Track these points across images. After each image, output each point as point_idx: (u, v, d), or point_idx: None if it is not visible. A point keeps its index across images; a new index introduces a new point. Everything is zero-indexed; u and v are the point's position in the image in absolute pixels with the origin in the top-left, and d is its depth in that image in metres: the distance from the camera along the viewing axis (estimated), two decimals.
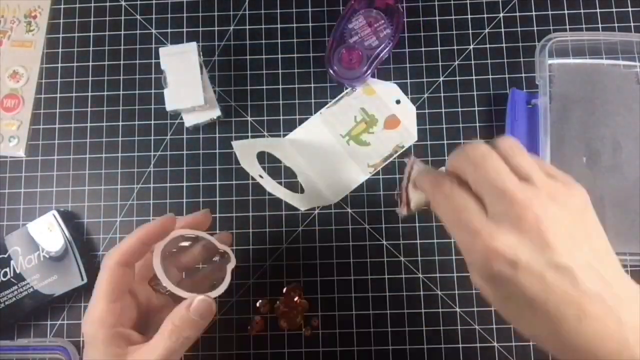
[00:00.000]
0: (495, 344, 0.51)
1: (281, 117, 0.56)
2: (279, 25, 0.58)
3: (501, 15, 0.57)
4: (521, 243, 0.27)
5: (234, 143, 0.47)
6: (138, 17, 0.58)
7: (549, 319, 0.27)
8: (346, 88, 0.56)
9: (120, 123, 0.56)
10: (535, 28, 0.56)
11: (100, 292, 0.36)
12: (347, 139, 0.55)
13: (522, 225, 0.27)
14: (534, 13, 0.57)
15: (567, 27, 0.56)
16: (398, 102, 0.55)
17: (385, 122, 0.55)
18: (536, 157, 0.31)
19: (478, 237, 0.28)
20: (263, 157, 0.54)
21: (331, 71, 0.53)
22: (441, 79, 0.56)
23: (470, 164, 0.30)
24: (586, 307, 0.26)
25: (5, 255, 0.51)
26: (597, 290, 0.27)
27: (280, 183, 0.54)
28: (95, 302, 0.36)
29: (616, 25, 0.56)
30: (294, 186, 0.54)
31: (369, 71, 0.53)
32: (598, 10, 0.56)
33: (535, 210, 0.27)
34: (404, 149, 0.54)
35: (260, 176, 0.49)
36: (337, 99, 0.56)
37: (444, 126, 0.55)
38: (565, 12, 0.57)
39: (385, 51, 0.53)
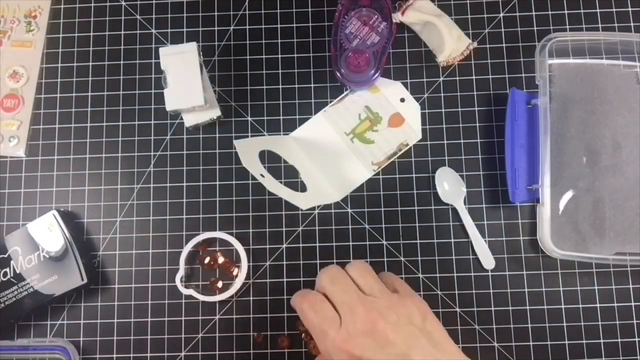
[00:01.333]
0: (495, 344, 0.51)
1: (281, 117, 0.56)
2: (279, 25, 0.58)
3: (501, 15, 0.57)
4: (365, 343, 0.34)
5: (236, 142, 0.47)
6: (138, 17, 0.58)
7: None
8: (347, 89, 0.56)
9: (120, 123, 0.56)
10: (535, 28, 0.57)
11: None
12: (351, 137, 0.55)
13: (366, 330, 0.34)
14: (534, 13, 0.57)
15: (567, 27, 0.56)
16: (402, 100, 0.55)
17: (390, 120, 0.55)
18: (390, 274, 0.41)
19: (333, 342, 0.35)
20: (264, 156, 0.54)
21: (338, 74, 0.53)
22: (441, 79, 0.56)
23: (328, 283, 0.38)
24: None
25: (5, 255, 0.51)
26: None
27: (281, 182, 0.54)
28: None
29: (616, 25, 0.56)
30: (295, 185, 0.54)
31: (377, 74, 0.53)
32: (598, 10, 0.56)
33: (373, 317, 0.35)
34: (408, 147, 0.54)
35: (262, 175, 0.49)
36: (341, 97, 0.56)
37: (444, 126, 0.55)
38: (565, 12, 0.57)
39: (389, 44, 0.53)
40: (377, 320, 0.35)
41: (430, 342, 0.35)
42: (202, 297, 0.52)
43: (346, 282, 0.37)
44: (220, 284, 0.52)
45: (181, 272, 0.52)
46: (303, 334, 0.51)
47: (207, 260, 0.52)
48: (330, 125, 0.55)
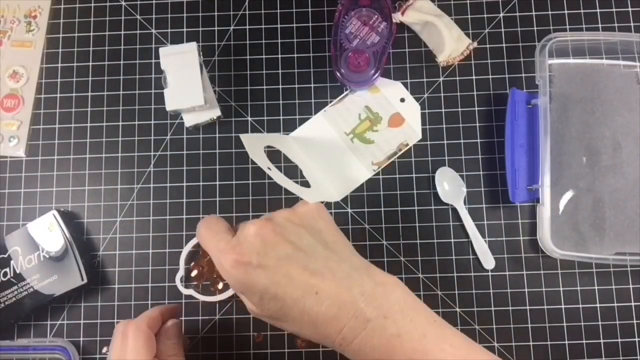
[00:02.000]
0: (495, 344, 0.51)
1: (281, 117, 0.56)
2: (279, 25, 0.58)
3: (501, 15, 0.57)
4: (252, 248, 0.33)
5: (242, 135, 0.47)
6: (138, 17, 0.58)
7: (293, 304, 0.32)
8: (347, 89, 0.56)
9: (120, 123, 0.56)
10: (535, 28, 0.56)
11: (140, 351, 0.38)
12: (351, 137, 0.55)
13: (253, 234, 0.34)
14: (534, 13, 0.57)
15: (567, 27, 0.56)
16: (402, 100, 0.55)
17: (390, 120, 0.55)
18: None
19: (225, 255, 0.34)
20: (268, 154, 0.54)
21: (338, 74, 0.53)
22: (441, 79, 0.56)
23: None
24: (315, 282, 0.32)
25: (5, 255, 0.51)
26: (327, 267, 0.33)
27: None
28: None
29: (616, 25, 0.56)
30: (299, 184, 0.54)
31: (377, 74, 0.53)
32: (598, 10, 0.56)
33: (264, 224, 0.35)
34: (408, 147, 0.54)
35: (269, 168, 0.49)
36: (341, 97, 0.56)
37: (444, 126, 0.55)
38: (565, 12, 0.57)
39: (389, 44, 0.53)
40: (264, 225, 0.34)
41: (320, 242, 0.34)
42: (202, 297, 0.52)
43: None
44: (220, 285, 0.52)
45: (181, 272, 0.52)
46: (298, 341, 0.51)
47: (207, 260, 0.52)
48: (330, 125, 0.55)
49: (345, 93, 0.56)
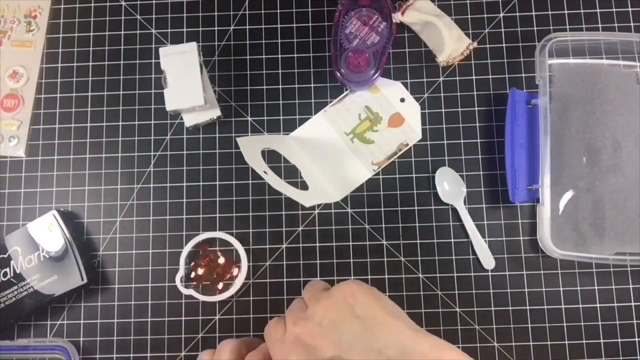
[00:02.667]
0: (495, 344, 0.51)
1: (281, 117, 0.56)
2: (279, 25, 0.58)
3: (501, 15, 0.57)
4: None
5: (239, 139, 0.47)
6: (138, 17, 0.58)
7: None
8: (347, 89, 0.56)
9: (120, 123, 0.56)
10: (535, 28, 0.56)
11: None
12: (351, 137, 0.55)
13: (293, 343, 0.33)
14: (534, 13, 0.57)
15: (567, 27, 0.56)
16: (402, 100, 0.55)
17: (390, 120, 0.55)
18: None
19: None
20: (266, 155, 0.54)
21: (338, 74, 0.53)
22: (441, 79, 0.56)
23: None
24: None
25: (5, 255, 0.51)
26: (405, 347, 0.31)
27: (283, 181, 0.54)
28: None
29: (616, 25, 0.56)
30: (296, 184, 0.54)
31: (377, 74, 0.53)
32: (598, 10, 0.56)
33: (299, 330, 0.33)
34: (408, 147, 0.54)
35: (265, 172, 0.49)
36: (341, 97, 0.56)
37: (444, 126, 0.55)
38: (565, 12, 0.57)
39: (389, 44, 0.53)
40: (301, 332, 0.33)
41: (361, 328, 0.33)
42: (202, 297, 0.52)
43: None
44: (220, 285, 0.52)
45: (181, 272, 0.52)
46: None
47: (207, 260, 0.52)
48: (330, 126, 0.55)
49: (345, 93, 0.56)
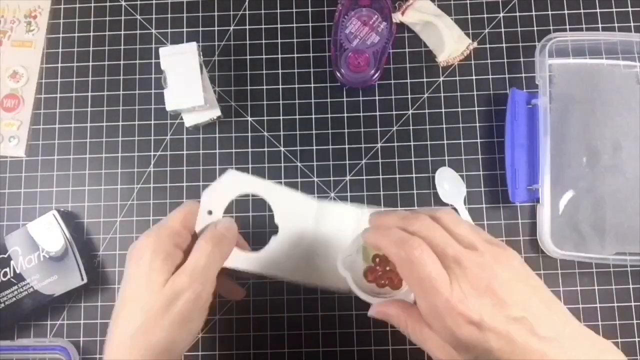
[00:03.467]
0: None
1: (281, 117, 0.56)
2: (279, 25, 0.58)
3: (501, 15, 0.57)
4: (481, 305, 0.30)
5: (231, 172, 0.42)
6: (138, 17, 0.58)
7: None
8: (345, 86, 0.56)
9: (120, 123, 0.56)
10: (535, 28, 0.56)
11: (177, 218, 0.39)
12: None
13: (479, 290, 0.30)
14: (534, 13, 0.57)
15: (567, 27, 0.56)
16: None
17: None
18: (472, 225, 0.34)
19: (447, 303, 0.30)
20: (250, 203, 0.52)
21: (338, 74, 0.53)
22: (441, 79, 0.56)
23: (426, 232, 0.32)
24: (547, 352, 0.29)
25: (5, 255, 0.51)
26: (553, 335, 0.29)
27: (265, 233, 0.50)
28: (169, 222, 0.39)
29: (616, 25, 0.56)
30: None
31: (377, 74, 0.53)
32: (598, 10, 0.56)
33: (487, 274, 0.30)
34: None
35: (210, 212, 0.42)
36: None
37: (444, 126, 0.55)
38: (565, 12, 0.57)
39: (389, 44, 0.53)
40: (491, 279, 0.30)
41: (541, 302, 0.31)
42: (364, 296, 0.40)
43: (444, 234, 0.32)
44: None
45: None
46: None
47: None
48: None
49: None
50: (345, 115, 0.56)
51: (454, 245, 0.31)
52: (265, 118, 0.56)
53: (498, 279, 0.30)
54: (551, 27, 0.56)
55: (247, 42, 0.57)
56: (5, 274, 0.51)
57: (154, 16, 0.58)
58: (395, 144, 0.55)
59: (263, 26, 0.58)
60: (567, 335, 0.30)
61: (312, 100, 0.56)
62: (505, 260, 0.31)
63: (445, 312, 0.30)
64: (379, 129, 0.55)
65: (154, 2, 0.59)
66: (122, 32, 0.58)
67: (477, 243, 0.32)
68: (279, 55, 0.57)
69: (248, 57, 0.57)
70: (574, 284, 0.52)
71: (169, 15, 0.58)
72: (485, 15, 0.57)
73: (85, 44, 0.58)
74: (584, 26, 0.56)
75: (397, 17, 0.55)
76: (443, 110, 0.55)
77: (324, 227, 0.43)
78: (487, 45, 0.56)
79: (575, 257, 0.49)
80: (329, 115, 0.56)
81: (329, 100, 0.56)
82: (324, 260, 0.42)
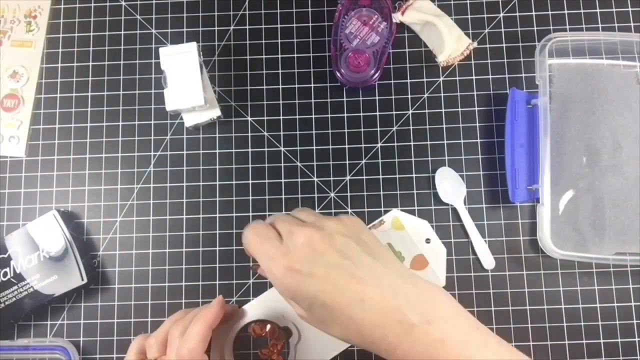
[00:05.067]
0: None
1: (281, 117, 0.56)
2: (279, 25, 0.58)
3: (501, 15, 0.57)
4: (302, 257, 0.34)
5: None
6: (138, 17, 0.58)
7: (341, 312, 0.33)
8: (345, 86, 0.56)
9: (120, 123, 0.56)
10: (535, 28, 0.56)
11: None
12: None
13: (304, 243, 0.35)
14: (534, 13, 0.57)
15: (567, 27, 0.56)
16: (428, 241, 0.49)
17: (413, 261, 0.49)
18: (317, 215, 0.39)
19: (275, 262, 0.35)
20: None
21: (338, 74, 0.53)
22: (441, 79, 0.56)
23: (272, 218, 0.39)
24: (363, 289, 0.33)
25: (5, 255, 0.51)
26: (373, 280, 0.34)
27: None
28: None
29: (616, 25, 0.56)
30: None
31: (377, 74, 0.53)
32: (598, 10, 0.56)
33: (308, 234, 0.35)
34: None
35: None
36: None
37: (444, 126, 0.55)
38: (565, 12, 0.57)
39: (389, 44, 0.53)
40: (313, 234, 0.35)
41: (366, 251, 0.35)
42: None
43: (287, 219, 0.38)
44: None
45: None
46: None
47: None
48: None
49: (369, 225, 0.49)
50: (345, 115, 0.56)
51: (291, 222, 0.37)
52: (265, 118, 0.56)
53: (322, 234, 0.35)
54: (551, 27, 0.56)
55: (247, 42, 0.57)
56: (5, 274, 0.51)
57: (154, 16, 0.58)
58: (395, 144, 0.55)
59: (263, 26, 0.58)
60: (391, 282, 0.34)
61: (312, 100, 0.56)
62: (334, 221, 0.37)
63: (277, 271, 0.35)
64: (379, 129, 0.55)
65: (154, 2, 0.59)
66: (122, 32, 0.58)
67: (315, 220, 0.37)
68: (279, 55, 0.57)
69: (248, 57, 0.57)
70: (574, 284, 0.52)
71: (169, 15, 0.58)
72: (485, 15, 0.57)
73: (85, 44, 0.58)
74: (584, 26, 0.56)
75: (397, 17, 0.55)
76: (443, 110, 0.55)
77: None
78: (487, 45, 0.56)
79: (575, 257, 0.49)
80: (329, 115, 0.56)
81: (329, 100, 0.56)
82: None
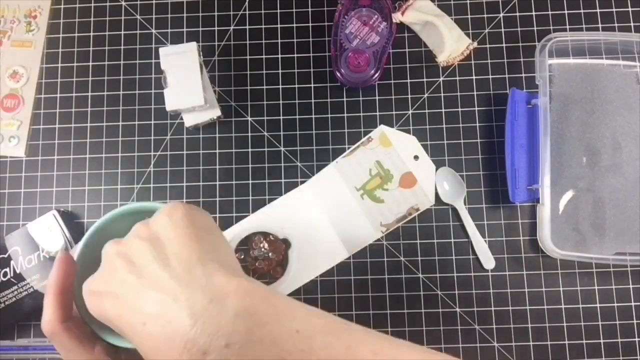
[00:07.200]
0: (495, 344, 0.51)
1: (281, 117, 0.56)
2: (279, 25, 0.58)
3: (501, 15, 0.57)
4: (100, 277, 0.29)
5: None
6: (138, 17, 0.58)
7: (130, 338, 0.27)
8: (345, 86, 0.56)
9: (120, 123, 0.56)
10: (535, 28, 0.56)
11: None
12: (361, 193, 0.53)
13: (105, 268, 0.30)
14: (534, 13, 0.57)
15: (567, 27, 0.56)
16: (416, 158, 0.51)
17: (401, 179, 0.51)
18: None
19: (85, 289, 0.30)
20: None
21: (338, 74, 0.53)
22: (441, 79, 0.56)
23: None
24: (146, 314, 0.27)
25: (5, 255, 0.51)
26: (157, 292, 0.27)
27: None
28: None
29: (616, 25, 0.56)
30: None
31: (377, 74, 0.53)
32: (598, 10, 0.56)
33: (109, 245, 0.30)
34: (419, 212, 0.52)
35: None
36: (353, 147, 0.54)
37: (444, 126, 0.55)
38: (565, 12, 0.57)
39: (389, 44, 0.53)
40: (112, 246, 0.30)
41: (157, 257, 0.28)
42: None
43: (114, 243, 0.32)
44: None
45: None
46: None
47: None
48: (341, 178, 0.53)
49: (357, 143, 0.54)
50: (345, 115, 0.56)
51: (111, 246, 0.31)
52: (265, 118, 0.56)
53: (122, 243, 0.30)
54: (551, 27, 0.56)
55: (247, 42, 0.57)
56: (5, 274, 0.51)
57: (154, 16, 0.58)
58: None
59: (263, 26, 0.58)
60: (170, 289, 0.27)
61: (312, 100, 0.56)
62: (144, 224, 0.30)
63: (85, 294, 0.30)
64: None
65: (154, 2, 0.59)
66: (122, 32, 0.58)
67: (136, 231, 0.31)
68: (279, 55, 0.57)
69: (248, 57, 0.57)
70: (574, 284, 0.52)
71: (169, 15, 0.58)
72: (485, 15, 0.57)
73: (85, 44, 0.58)
74: (584, 26, 0.56)
75: (397, 17, 0.55)
76: (443, 110, 0.55)
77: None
78: (487, 45, 0.56)
79: (575, 257, 0.49)
80: (329, 115, 0.56)
81: (329, 100, 0.56)
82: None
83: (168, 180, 0.55)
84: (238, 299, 0.26)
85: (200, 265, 0.28)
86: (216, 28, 0.58)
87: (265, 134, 0.56)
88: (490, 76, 0.56)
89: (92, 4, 0.59)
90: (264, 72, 0.57)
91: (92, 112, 0.57)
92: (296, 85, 0.56)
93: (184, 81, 0.51)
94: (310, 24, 0.58)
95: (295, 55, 0.57)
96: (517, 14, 0.57)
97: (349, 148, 0.55)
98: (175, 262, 0.28)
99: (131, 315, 0.27)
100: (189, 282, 0.27)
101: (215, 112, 0.54)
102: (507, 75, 0.56)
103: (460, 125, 0.55)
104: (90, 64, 0.58)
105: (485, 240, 0.52)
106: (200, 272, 0.28)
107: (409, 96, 0.56)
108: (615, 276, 0.52)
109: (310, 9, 0.58)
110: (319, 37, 0.57)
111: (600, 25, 0.56)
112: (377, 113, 0.56)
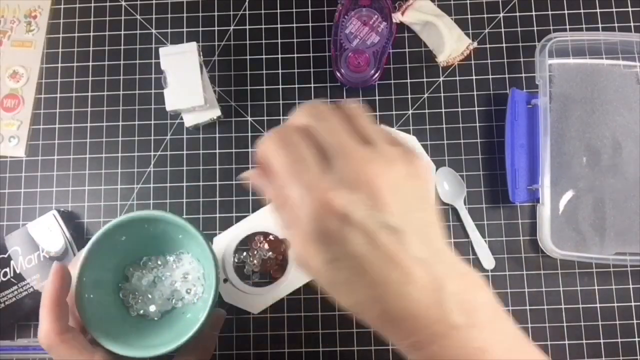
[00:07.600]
0: None
1: (281, 117, 0.56)
2: (279, 25, 0.58)
3: (501, 15, 0.57)
4: (356, 200, 0.25)
5: None
6: (138, 17, 0.58)
7: (373, 281, 0.25)
8: (345, 86, 0.56)
9: (120, 123, 0.56)
10: (535, 28, 0.56)
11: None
12: None
13: (358, 183, 0.25)
14: (534, 13, 0.57)
15: (567, 27, 0.56)
16: None
17: None
18: (384, 127, 0.29)
19: (311, 190, 0.25)
20: None
21: (338, 74, 0.53)
22: (441, 79, 0.56)
23: (315, 118, 0.28)
24: (412, 271, 0.25)
25: (5, 255, 0.51)
26: (425, 256, 0.26)
27: None
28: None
29: (616, 25, 0.56)
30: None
31: (377, 74, 0.53)
32: (598, 10, 0.56)
33: (373, 170, 0.26)
34: None
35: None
36: None
37: (444, 126, 0.55)
38: (565, 12, 0.57)
39: (389, 44, 0.53)
40: (375, 177, 0.26)
41: (425, 224, 0.27)
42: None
43: (337, 121, 0.28)
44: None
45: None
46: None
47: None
48: None
49: None
50: None
51: (341, 135, 0.27)
52: (265, 118, 0.56)
53: (384, 179, 0.26)
54: (551, 27, 0.56)
55: (247, 42, 0.57)
56: (5, 274, 0.51)
57: (154, 16, 0.58)
58: None
59: (263, 26, 0.58)
60: (441, 262, 0.27)
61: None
62: (402, 165, 0.27)
63: (308, 200, 0.25)
64: None
65: (154, 2, 0.59)
66: (122, 32, 0.58)
67: (377, 140, 0.27)
68: (279, 55, 0.57)
69: (248, 57, 0.57)
70: (574, 284, 0.52)
71: (169, 15, 0.58)
72: (485, 15, 0.57)
73: (85, 44, 0.58)
74: (584, 26, 0.56)
75: (397, 17, 0.55)
76: (443, 110, 0.55)
77: None
78: (487, 45, 0.56)
79: (575, 257, 0.49)
80: None
81: (329, 100, 0.56)
82: None
83: (168, 180, 0.55)
84: (483, 287, 0.27)
85: (443, 239, 0.28)
86: (216, 28, 0.58)
87: (265, 132, 0.56)
88: (490, 76, 0.56)
89: (92, 4, 0.59)
90: (264, 72, 0.57)
91: (92, 112, 0.57)
92: (296, 86, 0.56)
93: (184, 81, 0.51)
94: (310, 24, 0.58)
95: (295, 55, 0.57)
96: (517, 14, 0.57)
97: None
98: (435, 230, 0.28)
99: (394, 267, 0.25)
100: (447, 253, 0.28)
101: (215, 112, 0.54)
102: (507, 75, 0.56)
103: (460, 125, 0.55)
104: (90, 64, 0.58)
105: (485, 240, 0.52)
106: (446, 245, 0.28)
107: (409, 96, 0.56)
108: (615, 276, 0.52)
109: (310, 9, 0.58)
110: (319, 37, 0.57)
111: (600, 25, 0.56)
112: (377, 113, 0.56)
